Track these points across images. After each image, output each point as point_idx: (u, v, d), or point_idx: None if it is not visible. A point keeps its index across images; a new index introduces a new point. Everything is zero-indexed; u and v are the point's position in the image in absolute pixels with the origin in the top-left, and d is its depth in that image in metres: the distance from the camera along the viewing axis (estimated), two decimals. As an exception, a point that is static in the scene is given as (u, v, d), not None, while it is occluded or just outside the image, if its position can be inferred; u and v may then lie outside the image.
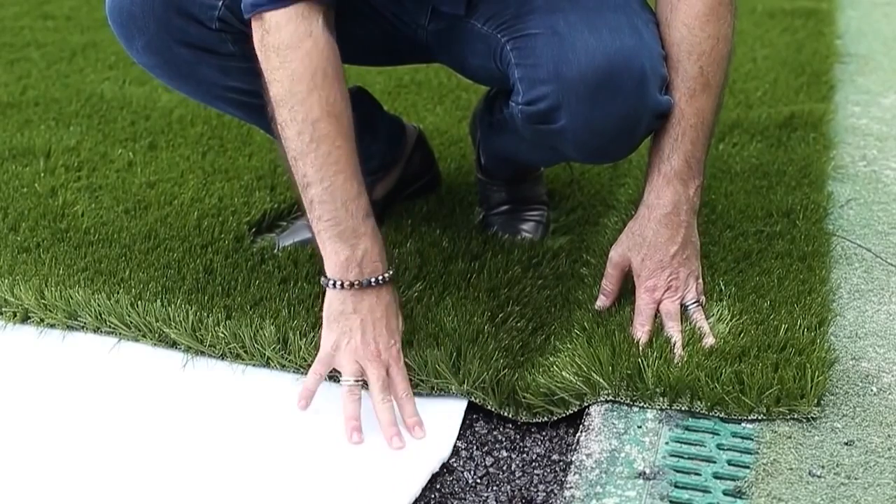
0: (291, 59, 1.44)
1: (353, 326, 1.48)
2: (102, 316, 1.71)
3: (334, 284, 1.48)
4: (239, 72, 1.71)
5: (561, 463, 1.45)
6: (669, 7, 1.54)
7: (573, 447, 1.44)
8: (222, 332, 1.64)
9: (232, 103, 1.80)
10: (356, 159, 1.48)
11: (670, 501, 1.30)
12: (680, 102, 1.54)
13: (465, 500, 1.39)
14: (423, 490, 1.39)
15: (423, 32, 1.73)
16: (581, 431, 1.44)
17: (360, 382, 1.48)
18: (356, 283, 1.48)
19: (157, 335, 1.68)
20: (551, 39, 1.50)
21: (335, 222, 1.47)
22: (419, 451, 1.45)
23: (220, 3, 1.63)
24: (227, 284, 1.77)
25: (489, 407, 1.53)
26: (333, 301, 1.49)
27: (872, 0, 3.85)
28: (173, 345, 1.67)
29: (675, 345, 1.52)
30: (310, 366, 1.58)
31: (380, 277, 1.49)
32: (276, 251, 1.91)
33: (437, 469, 1.43)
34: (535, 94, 1.52)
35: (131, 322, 1.69)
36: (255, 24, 1.47)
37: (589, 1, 1.53)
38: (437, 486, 1.41)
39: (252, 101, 1.78)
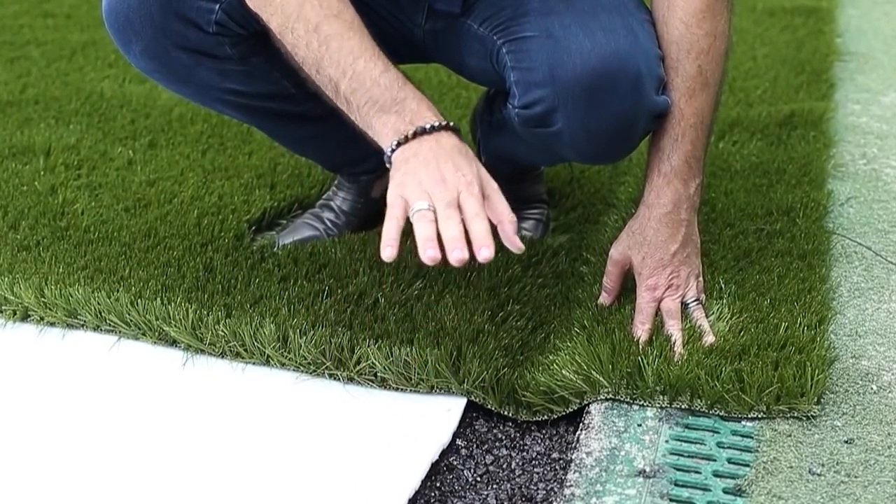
0: None
1: (416, 165, 1.37)
2: (102, 314, 1.71)
3: (392, 149, 1.40)
4: (237, 74, 1.71)
5: (561, 461, 1.45)
6: (666, 5, 1.54)
7: (573, 445, 1.44)
8: (222, 331, 1.64)
9: (230, 105, 1.80)
10: (372, 44, 1.43)
11: (670, 500, 1.30)
12: (679, 102, 1.54)
13: (465, 498, 1.39)
14: (424, 488, 1.39)
15: (420, 32, 1.73)
16: (581, 430, 1.44)
17: (433, 209, 1.33)
18: (410, 133, 1.38)
19: (156, 333, 1.68)
20: (546, 42, 1.50)
21: (372, 101, 1.41)
22: (418, 442, 1.45)
23: (218, 7, 1.63)
24: (227, 283, 1.77)
25: (489, 406, 1.53)
26: (396, 159, 1.39)
27: (872, -2, 3.85)
28: (173, 343, 1.67)
29: (675, 343, 1.52)
30: (310, 363, 1.58)
31: (436, 123, 1.39)
32: (275, 249, 1.91)
33: (436, 457, 1.43)
34: (530, 98, 1.52)
35: (131, 320, 1.69)
36: None
37: (584, 3, 1.53)
38: (438, 485, 1.41)
39: (251, 104, 1.78)
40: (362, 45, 1.42)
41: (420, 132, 1.38)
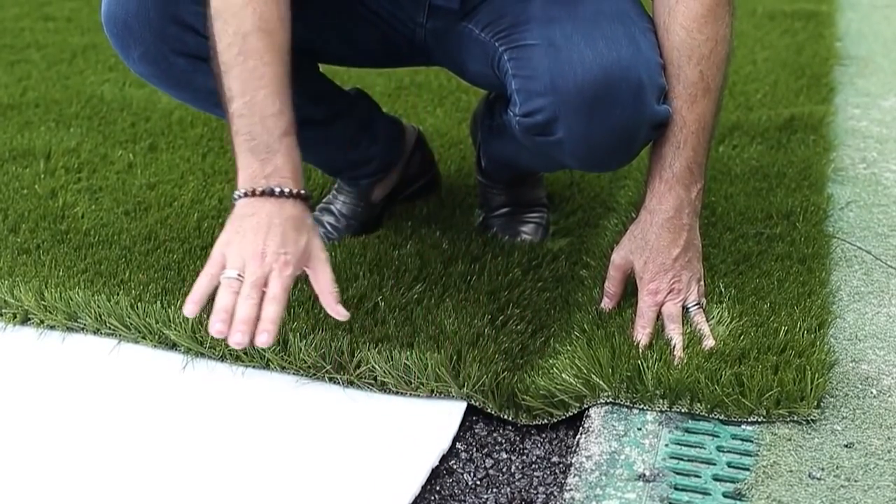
0: None
1: (247, 227, 1.42)
2: (102, 317, 1.71)
3: (240, 196, 1.44)
4: None
5: (561, 465, 1.45)
6: (667, 10, 1.54)
7: (573, 449, 1.44)
8: (222, 334, 1.64)
9: None
10: (285, 80, 1.44)
11: (670, 503, 1.30)
12: (681, 109, 1.53)
13: (464, 501, 1.39)
14: (424, 492, 1.39)
15: (422, 31, 1.73)
16: (581, 433, 1.44)
17: (241, 279, 1.39)
18: (258, 190, 1.43)
19: (157, 337, 1.68)
20: (548, 51, 1.50)
21: (250, 137, 1.43)
22: (419, 446, 1.45)
23: None
24: (227, 286, 1.77)
25: (489, 410, 1.53)
26: (237, 209, 1.44)
27: (872, 2, 3.85)
28: (173, 346, 1.67)
29: (675, 347, 1.52)
30: (310, 367, 1.59)
31: (286, 189, 1.43)
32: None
33: (436, 463, 1.43)
34: (532, 106, 1.52)
35: (131, 323, 1.69)
36: None
37: (585, 11, 1.52)
38: (437, 489, 1.41)
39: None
40: (274, 76, 1.43)
41: (268, 192, 1.42)
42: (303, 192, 1.45)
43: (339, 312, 1.44)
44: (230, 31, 1.43)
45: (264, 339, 1.35)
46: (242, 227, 1.42)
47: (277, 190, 1.43)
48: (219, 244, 1.42)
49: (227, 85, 1.44)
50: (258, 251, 1.39)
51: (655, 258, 1.57)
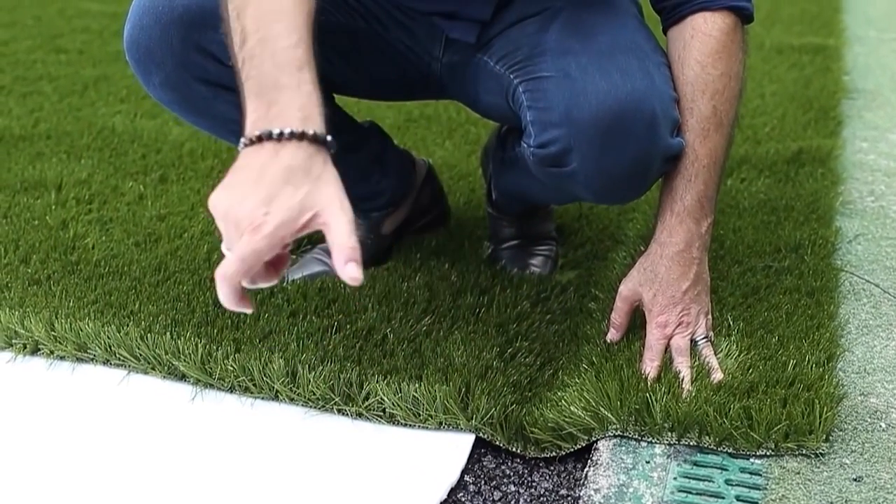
0: None
1: (237, 181, 1.18)
2: (112, 348, 1.71)
3: (243, 146, 1.21)
4: None
5: (569, 498, 1.45)
6: (682, 45, 1.55)
7: (581, 482, 1.43)
8: (231, 366, 1.64)
9: None
10: (308, 19, 1.26)
11: (679, 537, 1.30)
12: (694, 143, 1.54)
13: (473, 534, 1.39)
14: (432, 525, 1.39)
15: (437, 65, 1.74)
16: (589, 466, 1.44)
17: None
18: (256, 135, 1.19)
19: (166, 368, 1.68)
20: (563, 83, 1.51)
21: (259, 77, 1.22)
22: (427, 479, 1.45)
23: None
24: (237, 317, 1.77)
25: (497, 442, 1.53)
26: (238, 158, 1.21)
27: (880, 36, 3.87)
28: (182, 377, 1.68)
29: (683, 380, 1.52)
30: (318, 399, 1.59)
31: (287, 131, 1.18)
32: (285, 284, 1.91)
33: (445, 496, 1.43)
34: (546, 138, 1.53)
35: (141, 354, 1.70)
36: None
37: (601, 43, 1.54)
38: (446, 521, 1.41)
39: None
40: (294, 12, 1.25)
41: (266, 137, 1.19)
42: (311, 131, 1.20)
43: (351, 275, 1.15)
44: None
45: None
46: (234, 181, 1.19)
47: (277, 131, 1.18)
48: (213, 196, 1.19)
49: (241, 26, 1.26)
50: (237, 217, 1.16)
51: (665, 291, 1.58)
